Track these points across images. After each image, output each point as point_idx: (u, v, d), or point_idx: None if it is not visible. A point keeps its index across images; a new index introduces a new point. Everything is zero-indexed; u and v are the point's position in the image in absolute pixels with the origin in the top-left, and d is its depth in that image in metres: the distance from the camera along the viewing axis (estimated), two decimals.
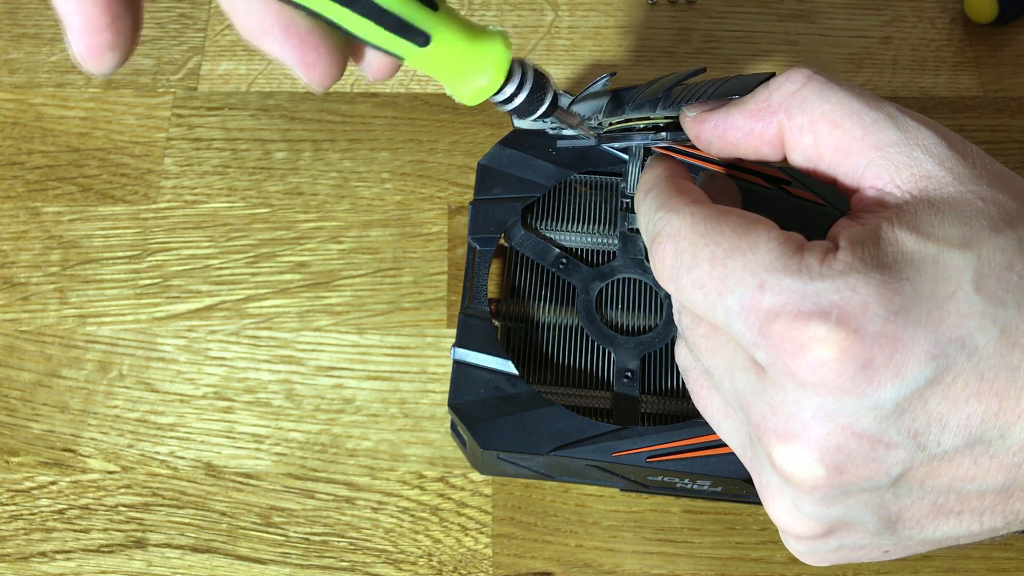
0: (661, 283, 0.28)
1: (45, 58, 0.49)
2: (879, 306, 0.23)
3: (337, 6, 0.25)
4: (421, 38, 0.26)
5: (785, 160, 0.29)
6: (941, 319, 0.23)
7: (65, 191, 0.45)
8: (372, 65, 0.28)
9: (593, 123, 0.35)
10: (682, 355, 0.31)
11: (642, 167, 0.39)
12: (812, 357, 0.23)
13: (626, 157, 0.40)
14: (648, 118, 0.33)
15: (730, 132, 0.29)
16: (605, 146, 0.39)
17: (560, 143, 0.40)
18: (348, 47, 0.27)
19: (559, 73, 0.48)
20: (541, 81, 0.29)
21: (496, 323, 0.38)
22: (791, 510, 0.26)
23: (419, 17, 0.26)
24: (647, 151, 0.38)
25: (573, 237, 0.40)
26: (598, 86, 0.35)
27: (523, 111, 0.29)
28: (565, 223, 0.40)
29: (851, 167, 0.27)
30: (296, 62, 0.26)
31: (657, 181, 0.30)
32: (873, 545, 0.27)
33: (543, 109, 0.29)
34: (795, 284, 0.24)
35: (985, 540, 0.27)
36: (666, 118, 0.33)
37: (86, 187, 0.45)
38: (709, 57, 0.49)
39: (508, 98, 0.29)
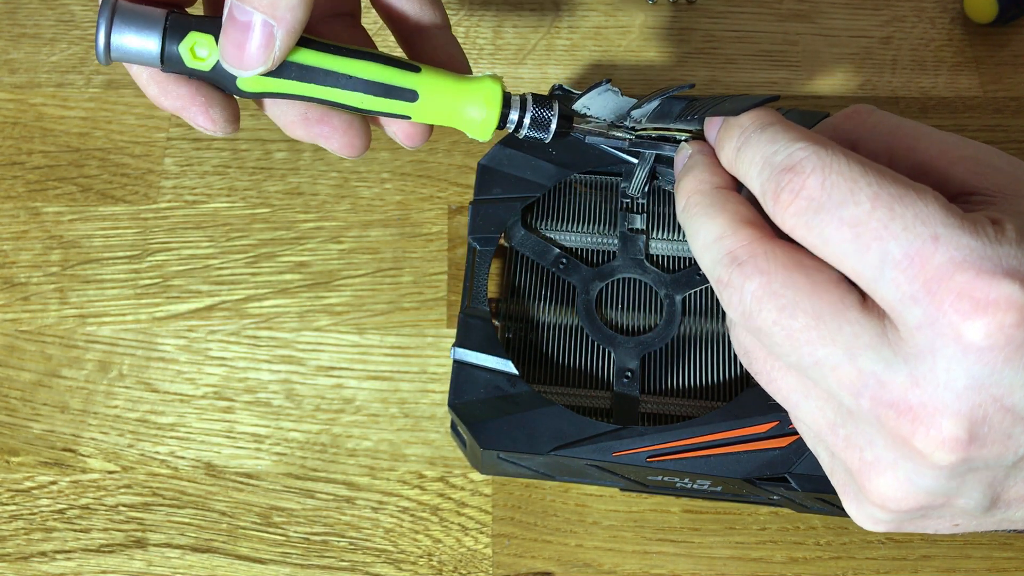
0: (781, 218, 0.25)
1: (45, 58, 0.49)
2: None
3: (333, 89, 0.29)
4: (410, 94, 0.30)
5: None
6: None
7: (65, 191, 0.45)
8: (397, 133, 0.32)
9: (628, 124, 0.35)
10: (743, 339, 0.29)
11: (650, 170, 0.39)
12: (990, 320, 0.23)
13: (628, 158, 0.40)
14: (687, 130, 0.33)
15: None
16: (607, 147, 0.39)
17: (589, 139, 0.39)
18: (365, 121, 0.32)
19: (559, 73, 0.48)
20: (543, 101, 0.31)
21: (496, 323, 0.38)
22: (904, 483, 0.25)
23: (401, 78, 0.30)
24: (657, 157, 0.38)
25: (573, 237, 0.40)
26: (600, 89, 0.35)
27: (538, 131, 0.31)
28: (565, 223, 0.40)
29: (933, 183, 0.26)
30: (322, 140, 0.31)
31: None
32: (956, 519, 0.27)
33: (554, 125, 0.31)
34: (976, 243, 0.23)
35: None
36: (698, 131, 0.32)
37: (86, 187, 0.45)
38: (709, 57, 0.49)
39: (518, 124, 0.31)
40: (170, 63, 0.29)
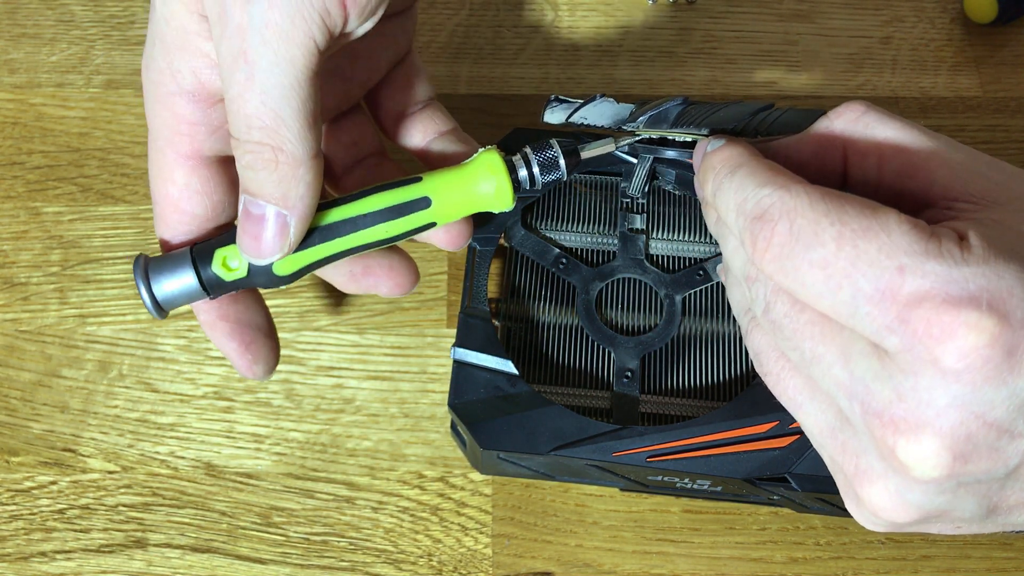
0: (760, 264, 0.26)
1: (45, 58, 0.49)
2: None
3: (356, 234, 0.31)
4: (423, 203, 0.31)
5: (844, 185, 0.29)
6: None
7: (65, 191, 0.45)
8: (439, 243, 0.34)
9: (628, 128, 0.35)
10: (756, 339, 0.30)
11: (650, 170, 0.39)
12: (961, 343, 0.23)
13: (628, 159, 0.40)
14: (688, 134, 0.33)
15: (795, 158, 0.29)
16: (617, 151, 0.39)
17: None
18: (405, 258, 0.35)
19: (559, 73, 0.48)
20: (541, 146, 0.32)
21: (496, 323, 0.38)
22: (894, 497, 0.26)
23: (408, 193, 0.31)
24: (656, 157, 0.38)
25: (573, 237, 0.40)
26: (595, 102, 0.35)
27: (552, 173, 0.32)
28: (565, 223, 0.40)
29: (918, 186, 0.27)
30: (373, 290, 0.35)
31: (745, 158, 0.29)
32: (956, 524, 0.27)
33: (562, 161, 0.32)
34: (940, 268, 0.23)
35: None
36: (706, 135, 0.32)
37: (86, 187, 0.45)
38: (709, 57, 0.49)
39: (530, 180, 0.32)
40: (213, 288, 0.31)
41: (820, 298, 0.25)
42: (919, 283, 0.23)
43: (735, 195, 0.28)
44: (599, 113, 0.34)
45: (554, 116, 0.35)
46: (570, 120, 0.34)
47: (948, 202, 0.27)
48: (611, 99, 0.34)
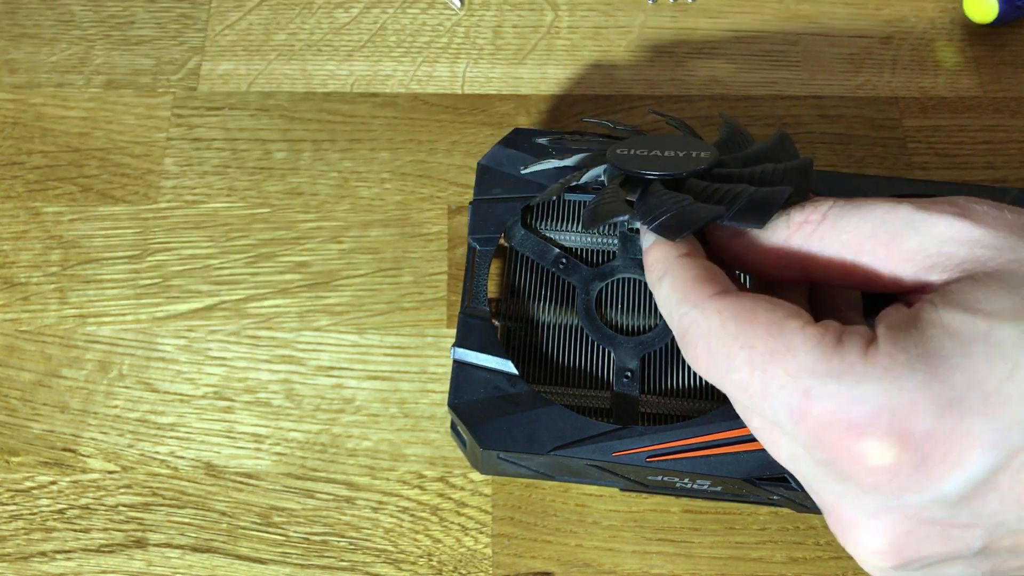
0: (700, 374, 0.27)
1: (45, 58, 0.49)
2: (929, 402, 0.22)
3: None
4: None
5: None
6: (1000, 403, 0.22)
7: (65, 191, 0.45)
8: None
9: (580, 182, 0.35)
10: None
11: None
12: (867, 464, 0.23)
13: None
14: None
15: (752, 264, 0.29)
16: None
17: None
18: None
19: (559, 73, 0.48)
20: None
21: (496, 323, 0.38)
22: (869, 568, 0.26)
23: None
24: None
25: (573, 237, 0.40)
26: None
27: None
28: (565, 223, 0.40)
29: (886, 285, 0.27)
30: None
31: (669, 265, 0.29)
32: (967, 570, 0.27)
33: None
34: (840, 390, 0.23)
35: None
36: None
37: (86, 187, 0.45)
38: (709, 57, 0.49)
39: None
40: None
41: (751, 412, 0.26)
42: (823, 406, 0.24)
43: (663, 306, 0.29)
44: (544, 174, 0.35)
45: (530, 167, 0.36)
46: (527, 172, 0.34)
47: (918, 295, 0.26)
48: (553, 160, 0.36)
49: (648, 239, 0.31)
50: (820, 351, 0.24)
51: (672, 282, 0.28)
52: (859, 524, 0.25)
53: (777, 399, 0.25)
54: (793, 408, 0.24)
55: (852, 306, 0.32)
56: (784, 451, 0.27)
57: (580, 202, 0.41)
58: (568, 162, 0.37)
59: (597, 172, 0.35)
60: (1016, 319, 0.23)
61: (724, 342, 0.26)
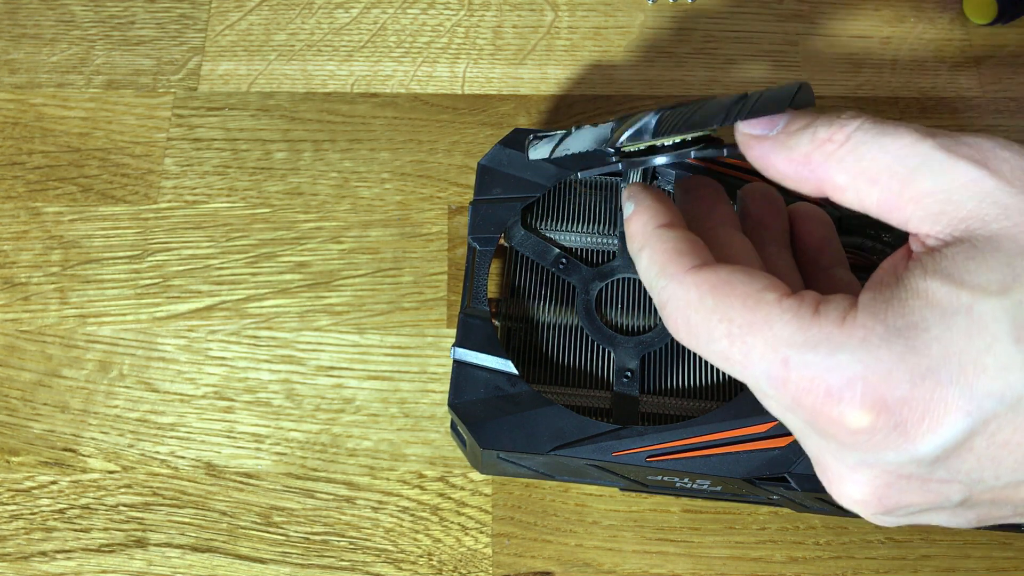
0: (682, 344, 0.28)
1: (45, 58, 0.49)
2: (904, 372, 0.23)
3: None
4: None
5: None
6: (976, 374, 0.23)
7: (65, 191, 0.45)
8: None
9: (611, 148, 0.34)
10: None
11: (650, 172, 0.39)
12: (846, 427, 0.24)
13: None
14: (668, 145, 0.32)
15: (771, 171, 0.28)
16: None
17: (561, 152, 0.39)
18: None
19: (559, 73, 0.48)
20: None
21: (496, 323, 0.38)
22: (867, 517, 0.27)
23: None
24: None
25: (573, 237, 0.40)
26: (574, 132, 0.35)
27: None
28: (565, 223, 0.40)
29: (898, 221, 0.26)
30: None
31: (648, 236, 0.29)
32: (951, 519, 0.27)
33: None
34: (817, 359, 0.24)
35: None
36: (692, 137, 0.32)
37: (86, 187, 0.45)
38: (709, 57, 0.49)
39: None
40: None
41: (737, 376, 0.27)
42: (802, 373, 0.24)
43: (643, 277, 0.29)
44: (581, 140, 0.34)
45: (538, 152, 0.35)
46: (554, 156, 0.33)
47: (917, 240, 0.26)
48: (588, 125, 0.34)
49: (628, 208, 0.31)
50: (797, 322, 0.25)
51: (651, 254, 0.29)
52: (843, 476, 0.26)
53: (758, 368, 0.25)
54: (773, 376, 0.25)
55: (838, 262, 0.33)
56: (772, 407, 0.27)
57: (580, 202, 0.41)
58: (608, 125, 0.36)
59: (648, 120, 0.34)
60: (1001, 293, 0.23)
61: (703, 316, 0.26)
